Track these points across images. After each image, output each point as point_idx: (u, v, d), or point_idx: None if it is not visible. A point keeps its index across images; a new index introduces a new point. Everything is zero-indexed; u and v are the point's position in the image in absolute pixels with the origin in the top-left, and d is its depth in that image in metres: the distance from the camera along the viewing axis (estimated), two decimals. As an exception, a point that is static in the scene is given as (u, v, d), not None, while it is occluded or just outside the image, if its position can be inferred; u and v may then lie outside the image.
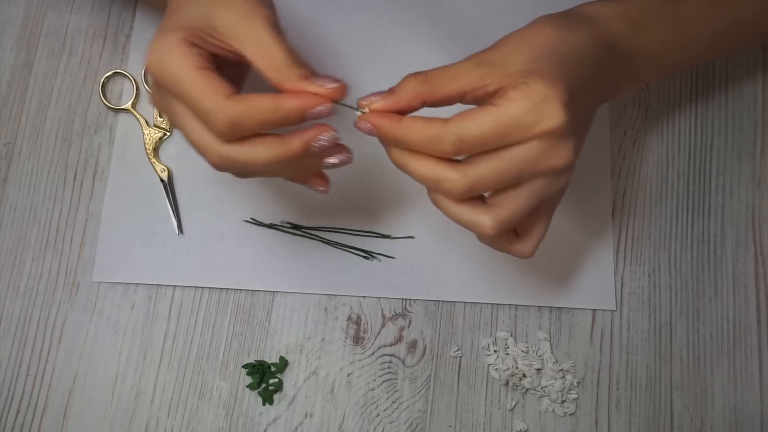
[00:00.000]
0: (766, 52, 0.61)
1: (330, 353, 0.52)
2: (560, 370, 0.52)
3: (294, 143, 0.36)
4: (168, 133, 0.56)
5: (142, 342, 0.52)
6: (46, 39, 0.58)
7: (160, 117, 0.56)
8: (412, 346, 0.53)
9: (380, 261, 0.54)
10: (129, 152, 0.55)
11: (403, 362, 0.52)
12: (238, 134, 0.35)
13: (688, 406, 0.52)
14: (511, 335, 0.53)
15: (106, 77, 0.57)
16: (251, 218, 0.54)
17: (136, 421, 0.51)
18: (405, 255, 0.54)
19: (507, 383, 0.52)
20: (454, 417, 0.52)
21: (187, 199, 0.55)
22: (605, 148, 0.57)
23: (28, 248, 0.54)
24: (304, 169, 0.39)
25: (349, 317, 0.53)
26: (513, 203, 0.37)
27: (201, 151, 0.37)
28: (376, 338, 0.53)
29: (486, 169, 0.35)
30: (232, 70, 0.40)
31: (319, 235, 0.54)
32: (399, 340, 0.53)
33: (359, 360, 0.52)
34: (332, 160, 0.38)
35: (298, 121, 0.36)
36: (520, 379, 0.52)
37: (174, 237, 0.54)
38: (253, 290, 0.53)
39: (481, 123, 0.34)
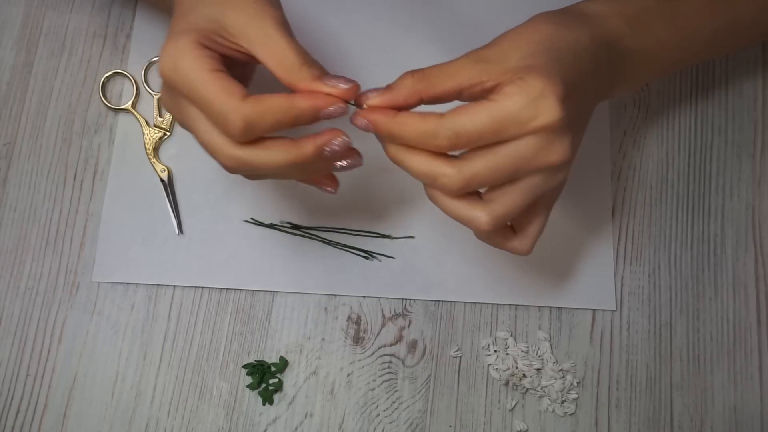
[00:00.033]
0: (766, 51, 0.61)
1: (330, 353, 0.52)
2: (560, 370, 0.52)
3: (307, 147, 0.36)
4: (168, 133, 0.56)
5: (142, 342, 0.52)
6: (46, 39, 0.58)
7: (161, 117, 0.56)
8: (412, 346, 0.53)
9: (380, 261, 0.54)
10: (129, 152, 0.55)
11: (403, 362, 0.52)
12: (252, 135, 0.35)
13: (688, 406, 0.52)
14: (511, 335, 0.53)
15: (106, 77, 0.57)
16: (251, 218, 0.54)
17: (136, 421, 0.51)
18: (405, 255, 0.54)
19: (507, 383, 0.52)
20: (454, 417, 0.52)
21: (187, 199, 0.55)
22: (605, 148, 0.57)
23: (28, 248, 0.54)
24: (315, 171, 0.40)
25: (349, 317, 0.53)
26: (509, 199, 0.37)
27: (214, 153, 0.37)
28: (376, 338, 0.53)
29: (482, 164, 0.35)
30: (239, 70, 0.40)
31: (319, 235, 0.54)
32: (399, 340, 0.53)
33: (359, 360, 0.52)
34: (342, 163, 0.38)
35: (312, 120, 0.36)
36: (520, 379, 0.52)
37: (174, 237, 0.54)
38: (253, 290, 0.53)
39: (476, 118, 0.34)
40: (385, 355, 0.52)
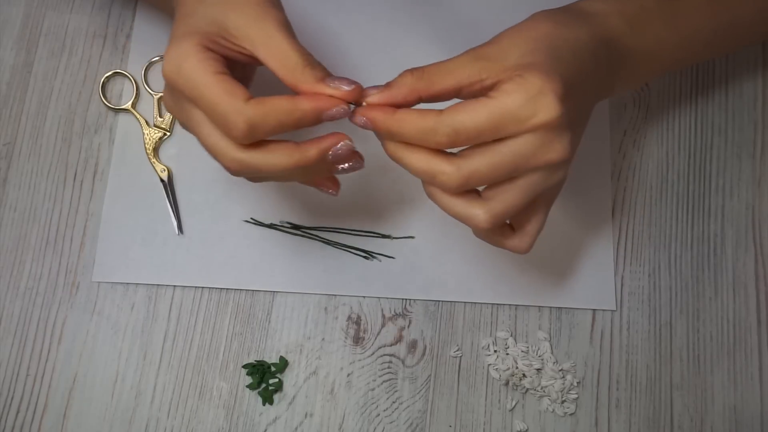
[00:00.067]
0: (766, 51, 0.61)
1: (330, 353, 0.52)
2: (560, 370, 0.52)
3: (310, 151, 0.36)
4: (168, 133, 0.56)
5: (142, 342, 0.52)
6: (46, 39, 0.58)
7: (160, 117, 0.56)
8: (412, 346, 0.53)
9: (380, 261, 0.54)
10: (129, 152, 0.55)
11: (403, 362, 0.52)
12: (255, 137, 0.35)
13: (688, 406, 0.52)
14: (511, 335, 0.53)
15: (106, 77, 0.57)
16: (251, 218, 0.54)
17: (136, 421, 0.51)
18: (405, 255, 0.54)
19: (507, 383, 0.52)
20: (454, 417, 0.52)
21: (187, 199, 0.55)
22: (605, 148, 0.57)
23: (28, 248, 0.54)
24: (317, 174, 0.40)
25: (349, 317, 0.53)
26: (508, 197, 0.37)
27: (217, 156, 0.37)
28: (376, 338, 0.53)
29: (481, 162, 0.35)
30: (239, 72, 0.40)
31: (319, 235, 0.54)
32: (399, 340, 0.53)
33: (359, 360, 0.52)
34: (344, 165, 0.38)
35: (315, 122, 0.36)
36: (520, 379, 0.52)
37: (174, 237, 0.54)
38: (253, 290, 0.53)
39: (475, 115, 0.34)
40: (385, 355, 0.52)
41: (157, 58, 0.57)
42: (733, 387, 0.53)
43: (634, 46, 0.42)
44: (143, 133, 0.55)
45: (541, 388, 0.52)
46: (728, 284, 0.55)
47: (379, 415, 0.51)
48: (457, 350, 0.53)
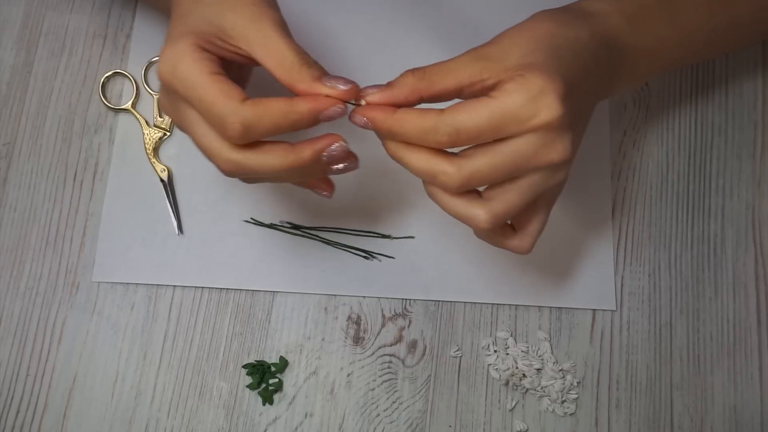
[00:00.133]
0: (766, 51, 0.61)
1: (330, 353, 0.52)
2: (560, 370, 0.52)
3: (305, 152, 0.36)
4: (168, 133, 0.56)
5: (142, 342, 0.52)
6: (46, 39, 0.58)
7: (160, 117, 0.56)
8: (412, 346, 0.53)
9: (380, 261, 0.54)
10: (129, 152, 0.55)
11: (403, 362, 0.52)
12: (250, 138, 0.35)
13: (688, 406, 0.52)
14: (511, 335, 0.53)
15: (106, 77, 0.57)
16: (251, 218, 0.54)
17: (136, 421, 0.51)
18: (405, 255, 0.54)
19: (507, 383, 0.52)
20: (454, 417, 0.52)
21: (187, 199, 0.55)
22: (605, 148, 0.57)
23: (28, 248, 0.54)
24: (312, 175, 0.40)
25: (349, 317, 0.53)
26: (508, 197, 0.37)
27: (211, 156, 0.37)
28: (376, 338, 0.53)
29: (482, 162, 0.35)
30: (236, 72, 0.40)
31: (319, 235, 0.54)
32: (399, 340, 0.53)
33: (359, 360, 0.52)
34: (339, 166, 0.38)
35: (312, 124, 0.36)
36: (520, 379, 0.52)
37: (174, 237, 0.54)
38: (253, 290, 0.53)
39: (476, 114, 0.34)
40: (385, 355, 0.52)
41: (156, 58, 0.57)
42: (733, 387, 0.53)
43: (635, 44, 0.42)
44: (143, 133, 0.55)
45: (541, 388, 0.52)
46: (728, 284, 0.55)
47: (379, 415, 0.51)
48: (457, 350, 0.53)
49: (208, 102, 0.35)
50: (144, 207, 0.54)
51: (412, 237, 0.54)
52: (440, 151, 0.36)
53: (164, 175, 0.54)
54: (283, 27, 0.37)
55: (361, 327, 0.53)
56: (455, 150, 0.36)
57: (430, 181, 0.37)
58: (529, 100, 0.34)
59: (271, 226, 0.54)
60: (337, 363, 0.52)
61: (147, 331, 0.52)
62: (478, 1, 0.59)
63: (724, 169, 0.57)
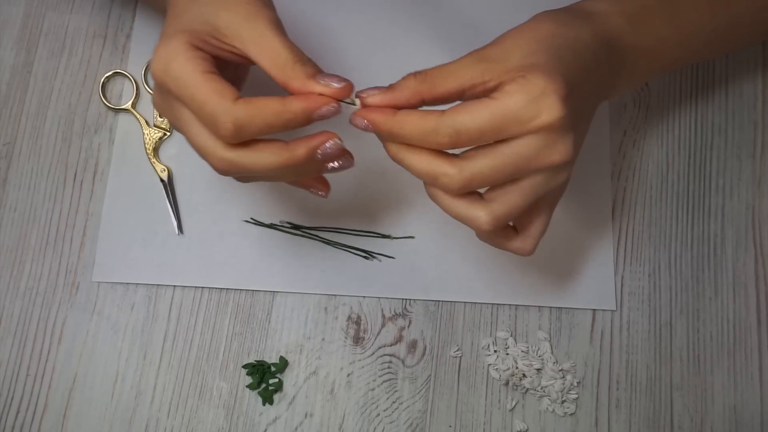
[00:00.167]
0: (766, 51, 0.61)
1: (330, 353, 0.52)
2: (560, 370, 0.52)
3: (299, 150, 0.36)
4: (168, 133, 0.56)
5: (142, 342, 0.52)
6: (46, 39, 0.58)
7: (160, 117, 0.56)
8: (412, 346, 0.53)
9: (380, 261, 0.54)
10: (129, 152, 0.55)
11: (403, 362, 0.52)
12: (243, 137, 0.35)
13: (688, 406, 0.52)
14: (511, 335, 0.53)
15: (106, 77, 0.57)
16: (251, 218, 0.54)
17: (136, 421, 0.51)
18: (405, 255, 0.54)
19: (507, 383, 0.52)
20: (454, 417, 0.52)
21: (187, 199, 0.55)
22: (605, 148, 0.57)
23: (28, 248, 0.54)
24: (306, 173, 0.40)
25: (349, 317, 0.53)
26: (510, 198, 0.37)
27: (205, 155, 0.37)
28: (376, 338, 0.53)
29: (483, 164, 0.35)
30: (232, 72, 0.40)
31: (319, 235, 0.54)
32: (399, 340, 0.53)
33: (359, 360, 0.52)
34: (334, 164, 0.38)
35: (305, 123, 0.36)
36: (520, 379, 0.52)
37: (174, 237, 0.54)
38: (253, 290, 0.53)
39: (477, 115, 0.34)
40: (385, 355, 0.52)
41: (157, 58, 0.57)
42: (733, 387, 0.53)
43: (635, 44, 0.42)
44: (143, 133, 0.55)
45: (541, 388, 0.52)
46: (728, 284, 0.55)
47: (379, 415, 0.51)
48: (457, 350, 0.53)
49: (200, 101, 0.35)
50: (144, 207, 0.54)
51: (412, 237, 0.54)
52: (441, 152, 0.36)
53: (164, 175, 0.54)
54: (278, 25, 0.37)
55: (361, 327, 0.53)
56: (456, 152, 0.36)
57: (431, 183, 0.37)
58: (530, 101, 0.34)
59: (271, 226, 0.54)
60: (337, 363, 0.52)
61: (147, 331, 0.52)
62: (478, 1, 0.59)
63: (724, 169, 0.57)
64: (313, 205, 0.54)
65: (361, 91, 0.37)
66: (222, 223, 0.54)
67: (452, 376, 0.52)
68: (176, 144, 0.56)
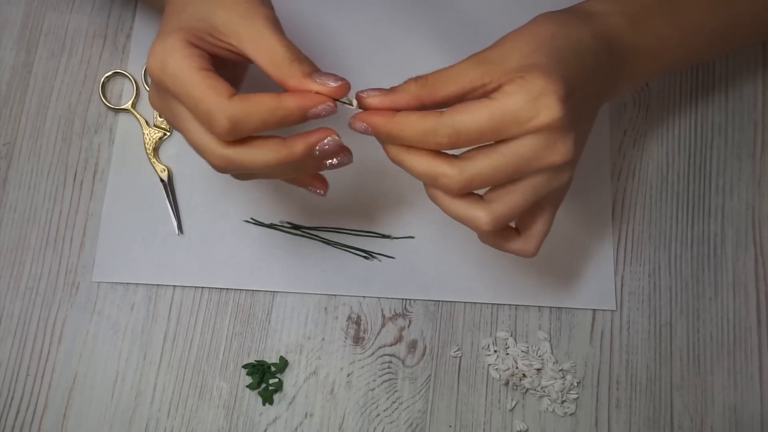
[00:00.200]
0: (767, 51, 0.61)
1: (330, 353, 0.52)
2: (560, 370, 0.52)
3: (297, 147, 0.36)
4: (168, 133, 0.56)
5: (142, 342, 0.52)
6: (46, 39, 0.58)
7: (160, 117, 0.56)
8: (412, 346, 0.53)
9: (380, 261, 0.54)
10: (129, 152, 0.55)
11: (403, 362, 0.52)
12: (239, 134, 0.35)
13: (688, 406, 0.52)
14: (511, 335, 0.53)
15: (106, 77, 0.57)
16: (251, 218, 0.54)
17: (136, 421, 0.51)
18: (405, 255, 0.54)
19: (507, 383, 0.52)
20: (454, 417, 0.52)
21: (187, 199, 0.55)
22: (605, 148, 0.57)
23: (28, 248, 0.54)
24: (305, 170, 0.39)
25: (349, 317, 0.53)
26: (510, 199, 0.37)
27: (202, 153, 0.37)
28: (376, 338, 0.53)
29: (483, 164, 0.35)
30: (230, 71, 0.40)
31: (319, 235, 0.54)
32: (399, 340, 0.53)
33: (359, 360, 0.52)
34: (333, 161, 0.38)
35: (299, 120, 0.36)
36: (520, 379, 0.52)
37: (174, 237, 0.54)
38: (253, 290, 0.53)
39: (476, 115, 0.34)
40: (385, 355, 0.52)
41: (157, 58, 0.57)
42: (733, 387, 0.53)
43: (636, 44, 0.42)
44: (143, 133, 0.55)
45: (541, 388, 0.52)
46: (728, 284, 0.55)
47: (379, 415, 0.51)
48: (457, 350, 0.53)
49: (196, 98, 0.34)
50: (144, 207, 0.54)
51: (412, 237, 0.54)
52: (441, 153, 0.36)
53: (164, 175, 0.54)
54: (275, 23, 0.37)
55: (361, 327, 0.53)
56: (456, 153, 0.36)
57: (431, 184, 0.37)
58: (529, 101, 0.34)
59: (271, 226, 0.54)
60: (337, 363, 0.52)
61: (147, 331, 0.52)
62: (478, 1, 0.59)
63: (724, 169, 0.57)
64: (313, 205, 0.54)
65: (361, 92, 0.37)
66: (222, 223, 0.54)
67: (452, 376, 0.52)
68: (176, 144, 0.56)
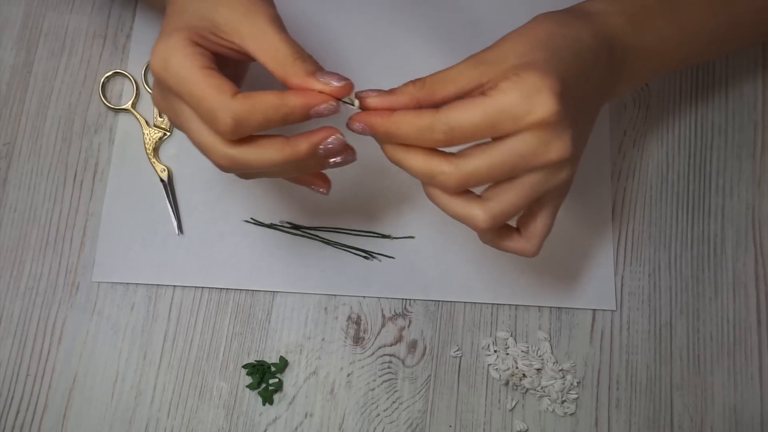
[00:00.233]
0: (766, 51, 0.61)
1: (330, 353, 0.52)
2: (560, 370, 0.52)
3: (301, 146, 0.36)
4: (168, 133, 0.56)
5: (142, 342, 0.52)
6: (46, 39, 0.58)
7: (160, 117, 0.56)
8: (412, 346, 0.53)
9: (380, 261, 0.54)
10: (129, 152, 0.55)
11: (403, 362, 0.52)
12: (243, 133, 0.35)
13: (688, 406, 0.52)
14: (511, 335, 0.53)
15: (106, 77, 0.57)
16: (251, 218, 0.54)
17: (136, 421, 0.51)
18: (405, 255, 0.54)
19: (507, 383, 0.52)
20: (454, 417, 0.52)
21: (187, 199, 0.55)
22: (605, 148, 0.57)
23: (28, 248, 0.54)
24: (308, 169, 0.40)
25: (349, 317, 0.53)
26: (507, 197, 0.37)
27: (206, 152, 0.37)
28: (376, 338, 0.53)
29: (480, 161, 0.35)
30: (231, 69, 0.40)
31: (319, 235, 0.54)
32: (399, 340, 0.53)
33: (359, 360, 0.52)
34: (336, 159, 0.38)
35: (302, 119, 0.36)
36: (520, 379, 0.52)
37: (174, 237, 0.54)
38: (253, 290, 0.53)
39: (471, 112, 0.34)
40: (385, 355, 0.52)
41: (157, 58, 0.57)
42: (733, 387, 0.53)
43: (636, 44, 0.42)
44: (143, 133, 0.55)
45: (541, 388, 0.52)
46: (728, 284, 0.55)
47: (379, 415, 0.51)
48: (457, 350, 0.53)
49: (199, 96, 0.34)
50: (144, 207, 0.54)
51: (412, 237, 0.54)
52: (438, 151, 0.36)
53: (164, 175, 0.54)
54: (278, 21, 0.37)
55: (361, 327, 0.53)
56: (454, 151, 0.36)
57: (428, 182, 0.37)
58: (524, 98, 0.34)
59: (271, 226, 0.54)
60: (337, 363, 0.52)
61: (147, 331, 0.52)
62: (478, 1, 0.59)
63: (724, 169, 0.57)
64: (313, 205, 0.54)
65: (360, 92, 0.37)
66: (222, 223, 0.54)
67: (452, 376, 0.52)
68: (176, 144, 0.56)
